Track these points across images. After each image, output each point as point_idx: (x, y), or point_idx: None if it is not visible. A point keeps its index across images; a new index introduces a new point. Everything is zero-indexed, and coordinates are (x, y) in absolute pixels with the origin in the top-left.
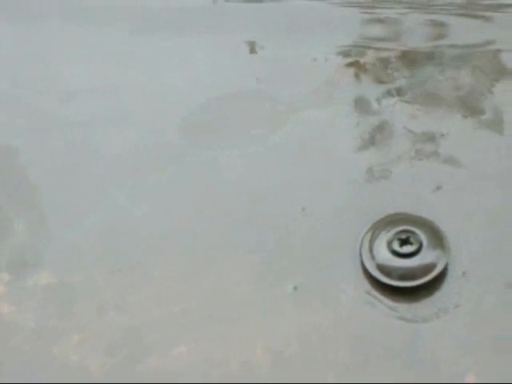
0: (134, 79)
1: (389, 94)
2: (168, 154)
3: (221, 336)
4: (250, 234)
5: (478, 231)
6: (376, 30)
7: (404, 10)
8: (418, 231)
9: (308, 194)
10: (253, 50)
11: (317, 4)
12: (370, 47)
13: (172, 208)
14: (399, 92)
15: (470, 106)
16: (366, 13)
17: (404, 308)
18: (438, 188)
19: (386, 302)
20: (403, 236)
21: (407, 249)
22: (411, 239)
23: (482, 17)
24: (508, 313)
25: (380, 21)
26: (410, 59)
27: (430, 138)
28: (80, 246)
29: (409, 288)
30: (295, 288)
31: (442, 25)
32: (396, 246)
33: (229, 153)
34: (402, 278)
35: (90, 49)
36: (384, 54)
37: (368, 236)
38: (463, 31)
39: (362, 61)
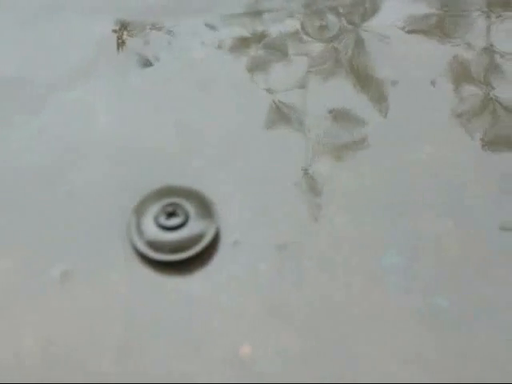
0: None
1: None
2: None
3: None
4: (15, 220)
5: (247, 198)
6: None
7: None
8: (184, 202)
9: (73, 176)
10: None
11: None
12: (133, 21)
13: None
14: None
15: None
16: None
17: (177, 282)
18: (205, 157)
19: (159, 278)
20: (169, 209)
21: (174, 221)
22: (177, 211)
23: None
24: (280, 279)
25: None
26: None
27: (194, 111)
28: None
29: (180, 261)
30: (63, 273)
31: None
32: (162, 220)
33: None
34: (173, 251)
35: None
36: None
37: (135, 213)
38: None
39: (123, 35)
